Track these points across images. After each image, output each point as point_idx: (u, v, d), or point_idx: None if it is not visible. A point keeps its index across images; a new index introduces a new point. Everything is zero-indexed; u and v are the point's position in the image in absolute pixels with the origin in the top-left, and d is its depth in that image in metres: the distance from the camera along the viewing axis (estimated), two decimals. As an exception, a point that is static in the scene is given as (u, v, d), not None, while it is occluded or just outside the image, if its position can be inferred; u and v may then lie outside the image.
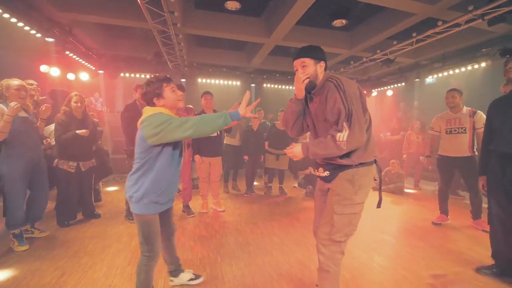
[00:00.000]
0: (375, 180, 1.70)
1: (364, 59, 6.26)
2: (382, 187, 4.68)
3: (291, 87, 9.38)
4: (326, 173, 1.65)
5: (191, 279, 2.07)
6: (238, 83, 8.71)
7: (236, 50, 7.64)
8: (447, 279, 2.24)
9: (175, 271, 2.03)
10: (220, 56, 7.61)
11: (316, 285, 1.90)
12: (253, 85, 8.91)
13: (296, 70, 1.65)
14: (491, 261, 2.34)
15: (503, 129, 2.17)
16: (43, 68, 5.01)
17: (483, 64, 5.83)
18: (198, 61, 7.70)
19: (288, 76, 8.94)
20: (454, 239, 3.08)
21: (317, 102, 1.62)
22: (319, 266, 1.67)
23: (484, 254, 2.57)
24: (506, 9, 3.70)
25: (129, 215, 3.42)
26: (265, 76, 8.74)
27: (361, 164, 1.58)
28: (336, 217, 1.56)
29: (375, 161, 1.66)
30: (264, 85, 9.05)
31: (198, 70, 8.05)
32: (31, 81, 3.18)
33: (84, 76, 6.10)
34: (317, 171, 1.72)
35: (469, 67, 6.13)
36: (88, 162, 3.33)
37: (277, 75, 8.82)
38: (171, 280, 2.04)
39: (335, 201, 1.59)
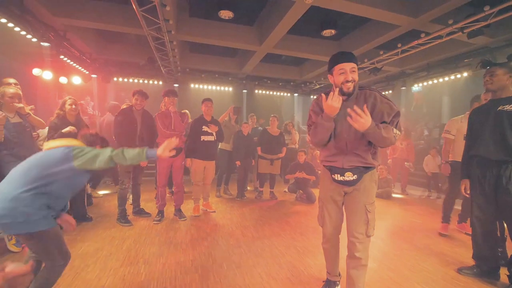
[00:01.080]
0: None
1: (353, 68, 6.48)
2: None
3: (281, 93, 9.56)
4: (355, 177, 1.73)
5: None
6: (230, 89, 8.82)
7: (228, 56, 7.77)
8: (429, 278, 2.33)
9: None
10: (213, 62, 7.72)
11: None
12: (245, 91, 9.04)
13: (342, 74, 1.65)
14: (472, 262, 2.44)
15: (483, 135, 2.28)
16: (35, 71, 5.00)
17: (465, 74, 6.13)
18: (191, 67, 7.78)
19: (279, 83, 9.12)
20: (438, 241, 3.19)
21: (349, 108, 1.66)
22: (355, 264, 1.78)
23: (465, 255, 2.69)
24: (483, 23, 3.95)
25: (121, 218, 3.43)
26: (256, 83, 8.89)
27: (375, 166, 1.80)
28: (370, 215, 1.74)
29: None
30: (256, 91, 9.20)
31: (191, 75, 8.12)
32: (11, 80, 3.08)
33: (77, 80, 6.09)
34: (343, 176, 1.75)
35: (452, 77, 6.43)
36: None
37: (268, 81, 8.98)
38: None
39: (367, 201, 1.75)
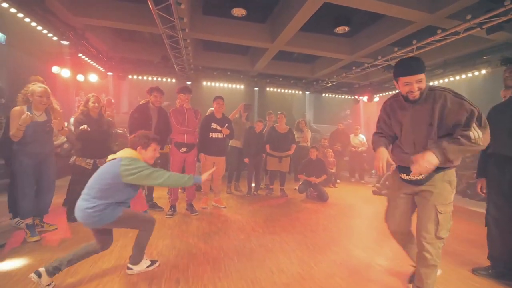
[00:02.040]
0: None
1: (366, 65, 6.38)
2: (383, 192, 4.77)
3: (293, 91, 9.53)
4: (422, 177, 1.73)
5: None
6: (242, 86, 8.85)
7: (240, 54, 7.81)
8: (444, 278, 2.29)
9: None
10: (225, 60, 7.78)
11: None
12: (256, 88, 9.06)
13: (407, 85, 1.66)
14: (487, 263, 2.38)
15: (501, 132, 2.22)
16: (55, 69, 5.19)
17: (484, 71, 5.92)
18: (203, 64, 7.87)
19: (291, 81, 9.09)
20: (452, 242, 3.11)
21: (418, 110, 1.71)
22: (424, 263, 1.78)
23: (481, 256, 2.61)
24: (503, 18, 3.80)
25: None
26: (268, 80, 8.89)
27: (454, 166, 1.75)
28: (441, 216, 1.72)
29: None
30: (267, 88, 9.19)
31: (203, 73, 8.21)
32: (39, 78, 3.20)
33: (93, 78, 6.28)
34: (409, 176, 1.76)
35: (470, 74, 6.22)
36: (104, 159, 3.45)
37: (280, 79, 8.97)
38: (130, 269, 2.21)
39: (438, 202, 1.73)
